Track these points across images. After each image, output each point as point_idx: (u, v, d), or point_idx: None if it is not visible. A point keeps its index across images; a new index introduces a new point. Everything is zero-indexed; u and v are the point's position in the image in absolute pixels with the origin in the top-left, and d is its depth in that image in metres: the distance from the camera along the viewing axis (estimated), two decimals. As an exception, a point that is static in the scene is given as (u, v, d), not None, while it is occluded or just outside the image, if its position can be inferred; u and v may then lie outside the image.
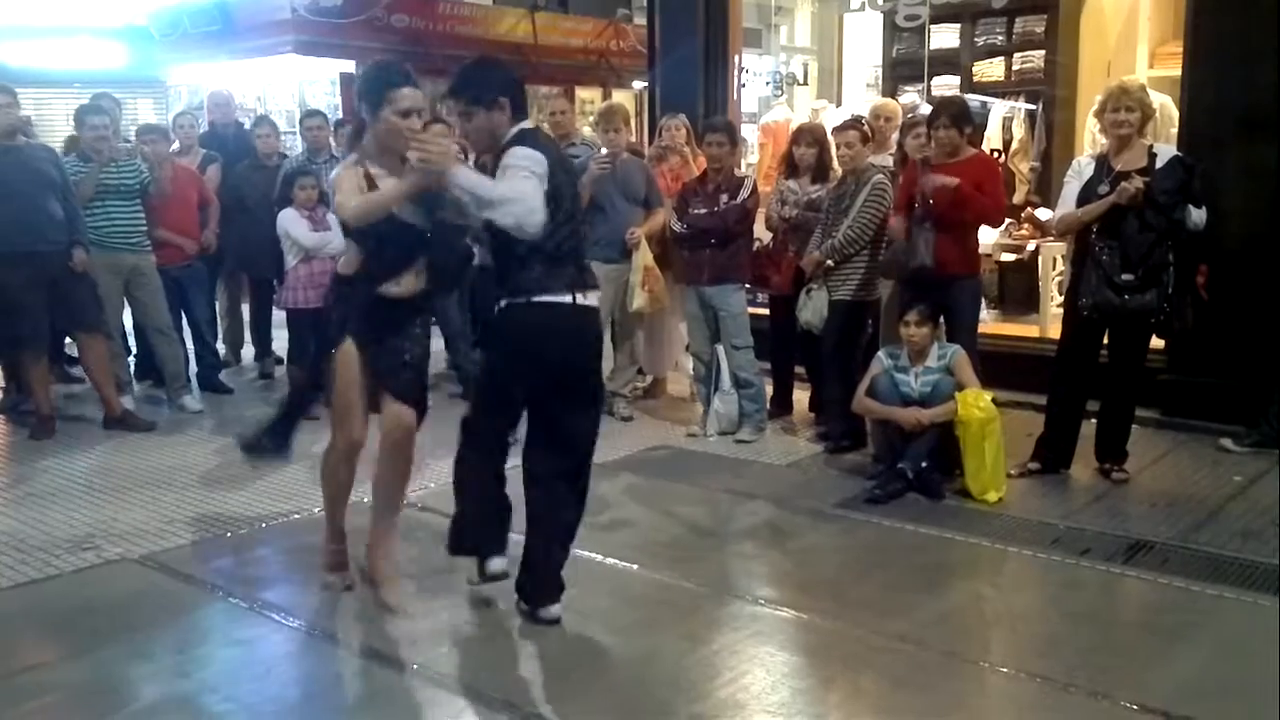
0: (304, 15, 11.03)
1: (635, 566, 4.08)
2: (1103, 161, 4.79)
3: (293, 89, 12.10)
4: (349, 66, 11.63)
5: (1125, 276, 4.63)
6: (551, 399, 3.48)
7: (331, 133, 7.36)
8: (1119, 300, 4.66)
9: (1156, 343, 5.15)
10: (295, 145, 8.95)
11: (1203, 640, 3.47)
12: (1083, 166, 4.89)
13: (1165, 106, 7.00)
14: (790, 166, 5.93)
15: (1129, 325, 4.77)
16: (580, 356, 3.51)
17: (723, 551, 4.35)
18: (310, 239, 6.21)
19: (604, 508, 4.31)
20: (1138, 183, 4.54)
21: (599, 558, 4.10)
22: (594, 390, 3.66)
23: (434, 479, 5.11)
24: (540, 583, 3.55)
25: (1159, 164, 4.65)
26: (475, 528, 3.54)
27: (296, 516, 4.66)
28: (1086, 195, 4.74)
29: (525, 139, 3.33)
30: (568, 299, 3.36)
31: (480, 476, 3.53)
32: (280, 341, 7.19)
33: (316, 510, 4.69)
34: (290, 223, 6.23)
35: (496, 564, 3.51)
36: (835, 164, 5.81)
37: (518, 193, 3.16)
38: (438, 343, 7.08)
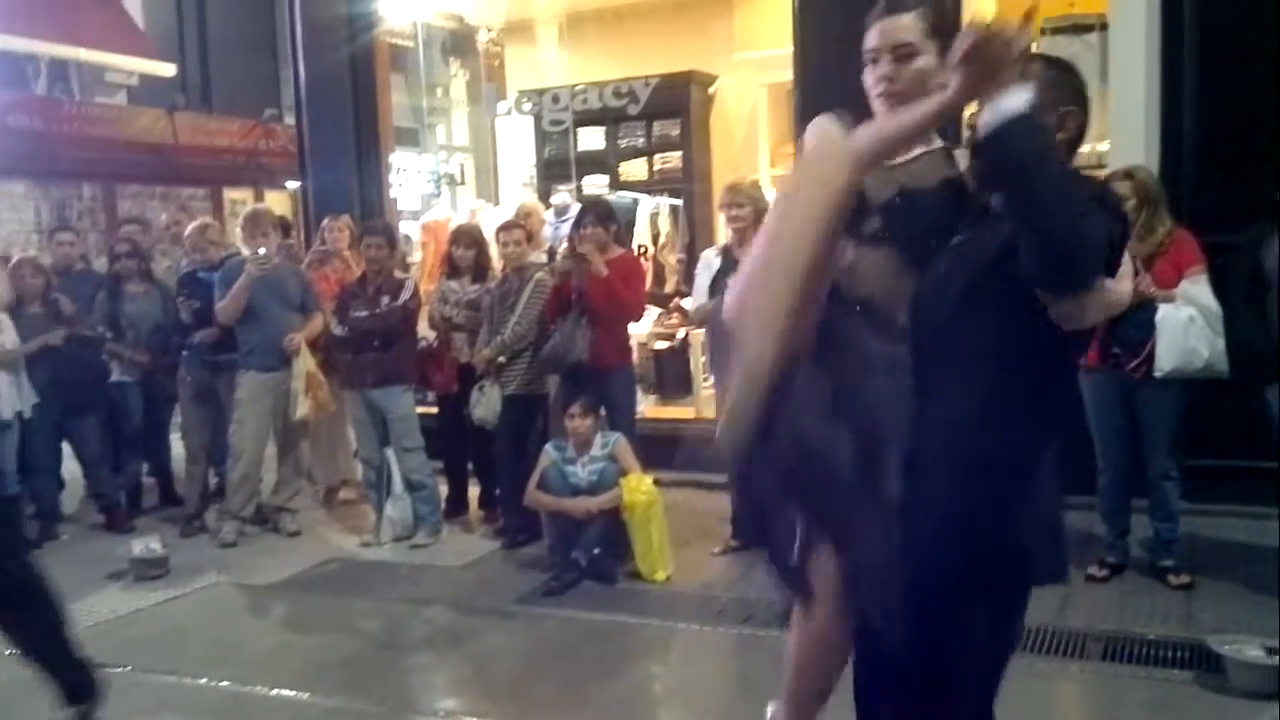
0: (-103, 113, 9.88)
1: (306, 695, 3.85)
2: (728, 253, 5.18)
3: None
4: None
5: None
6: None
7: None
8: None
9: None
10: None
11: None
12: (711, 259, 5.26)
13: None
14: (451, 267, 6.00)
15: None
16: None
17: (401, 665, 4.22)
18: None
19: (268, 634, 4.06)
20: None
21: (265, 690, 3.85)
22: None
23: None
24: None
25: None
26: None
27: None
28: (717, 286, 5.09)
29: None
30: None
31: None
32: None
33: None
34: None
35: None
36: (494, 264, 5.96)
37: None
38: (75, 468, 6.48)
